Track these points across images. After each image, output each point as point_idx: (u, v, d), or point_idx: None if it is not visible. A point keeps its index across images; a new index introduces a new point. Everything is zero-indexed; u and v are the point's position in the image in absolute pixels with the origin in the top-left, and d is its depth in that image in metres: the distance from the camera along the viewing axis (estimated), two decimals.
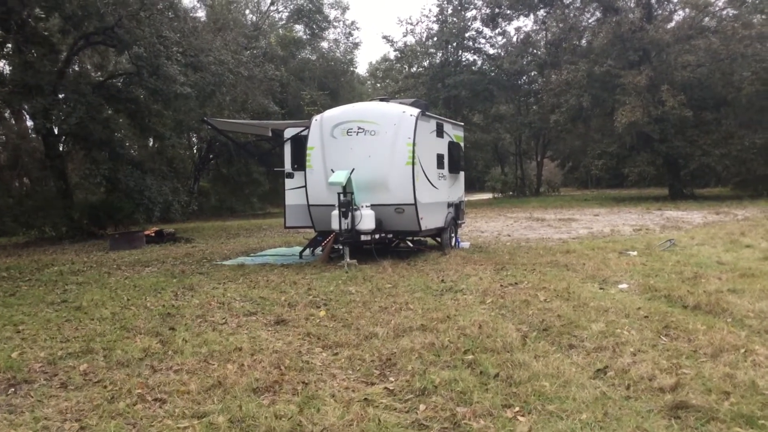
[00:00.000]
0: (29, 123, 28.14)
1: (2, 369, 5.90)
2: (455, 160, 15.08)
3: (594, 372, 5.36)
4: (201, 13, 38.77)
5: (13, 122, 31.66)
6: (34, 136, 28.38)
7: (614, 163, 40.21)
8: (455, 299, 8.59)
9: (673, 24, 35.81)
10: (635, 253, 12.65)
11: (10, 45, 23.43)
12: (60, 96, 21.91)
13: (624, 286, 9.18)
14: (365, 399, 4.93)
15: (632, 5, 37.41)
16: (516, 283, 9.59)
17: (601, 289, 9.03)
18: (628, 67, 33.90)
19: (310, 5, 46.74)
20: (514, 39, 47.67)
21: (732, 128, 33.31)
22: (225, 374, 5.48)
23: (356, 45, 53.77)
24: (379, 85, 61.00)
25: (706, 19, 35.45)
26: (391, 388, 5.19)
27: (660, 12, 37.37)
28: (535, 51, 47.28)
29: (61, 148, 25.36)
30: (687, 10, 35.27)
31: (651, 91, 32.31)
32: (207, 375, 5.54)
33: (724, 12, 35.38)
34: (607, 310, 7.51)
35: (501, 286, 9.41)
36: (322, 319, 7.67)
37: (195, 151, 43.14)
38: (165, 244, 18.96)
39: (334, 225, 12.55)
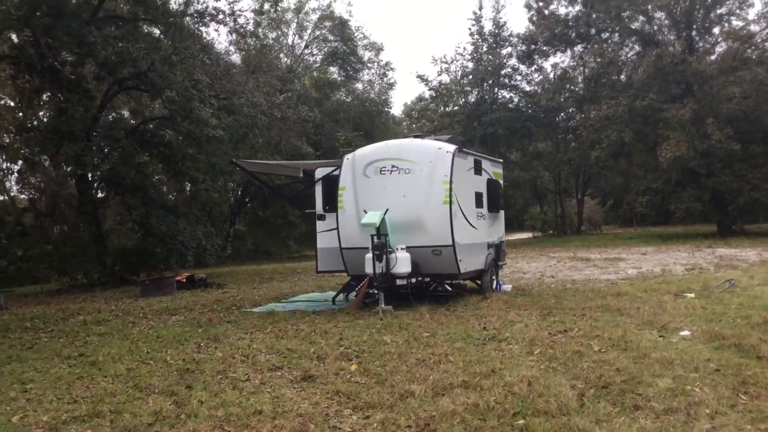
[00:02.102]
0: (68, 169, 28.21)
1: None
2: (495, 199, 14.37)
3: None
4: (236, 57, 38.93)
5: (52, 169, 31.82)
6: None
7: (659, 200, 38.94)
8: (499, 349, 7.84)
9: (715, 56, 34.99)
10: (692, 295, 11.73)
11: (47, 94, 23.57)
12: (93, 142, 21.82)
13: (686, 333, 8.32)
14: None
15: (672, 38, 36.65)
16: (565, 331, 8.79)
17: (661, 336, 8.18)
18: (670, 101, 33.00)
19: (345, 47, 46.78)
20: (551, 75, 47.17)
21: None
22: None
23: (391, 85, 53.55)
24: (414, 125, 60.53)
25: (749, 50, 34.61)
26: None
27: (702, 44, 36.51)
28: (572, 87, 46.66)
29: (95, 194, 25.24)
30: (730, 41, 34.48)
31: (696, 125, 31.36)
32: None
33: (767, 43, 34.64)
34: (671, 362, 6.70)
35: (549, 333, 8.62)
36: (354, 374, 6.97)
37: (230, 194, 43.01)
38: (196, 290, 18.45)
39: (368, 269, 11.85)
